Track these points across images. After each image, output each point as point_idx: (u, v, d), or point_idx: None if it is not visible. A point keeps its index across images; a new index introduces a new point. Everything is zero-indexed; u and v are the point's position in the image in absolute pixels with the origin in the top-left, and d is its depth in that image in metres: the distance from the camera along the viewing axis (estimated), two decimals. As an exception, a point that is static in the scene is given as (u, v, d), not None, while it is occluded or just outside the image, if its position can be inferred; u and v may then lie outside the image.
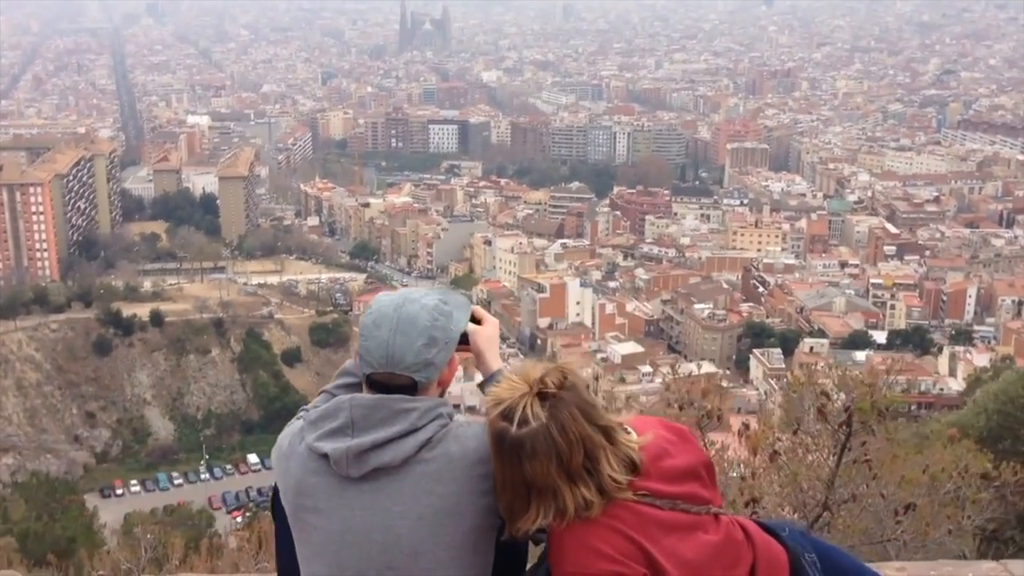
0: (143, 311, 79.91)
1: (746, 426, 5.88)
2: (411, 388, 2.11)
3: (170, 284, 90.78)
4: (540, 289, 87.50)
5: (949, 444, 7.22)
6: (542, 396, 1.95)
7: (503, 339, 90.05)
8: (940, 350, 71.90)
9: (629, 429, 2.01)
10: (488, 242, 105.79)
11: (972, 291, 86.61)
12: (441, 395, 2.21)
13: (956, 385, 57.42)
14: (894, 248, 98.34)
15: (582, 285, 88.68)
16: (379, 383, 2.12)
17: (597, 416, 1.95)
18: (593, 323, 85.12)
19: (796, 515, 5.14)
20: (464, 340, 2.28)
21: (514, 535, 2.01)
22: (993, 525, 5.93)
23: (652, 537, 1.90)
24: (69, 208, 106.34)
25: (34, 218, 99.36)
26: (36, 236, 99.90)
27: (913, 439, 7.47)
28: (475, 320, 2.37)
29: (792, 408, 5.86)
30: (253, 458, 70.66)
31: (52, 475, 63.45)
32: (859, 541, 5.00)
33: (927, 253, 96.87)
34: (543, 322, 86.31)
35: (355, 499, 2.04)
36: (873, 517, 5.15)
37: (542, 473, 1.91)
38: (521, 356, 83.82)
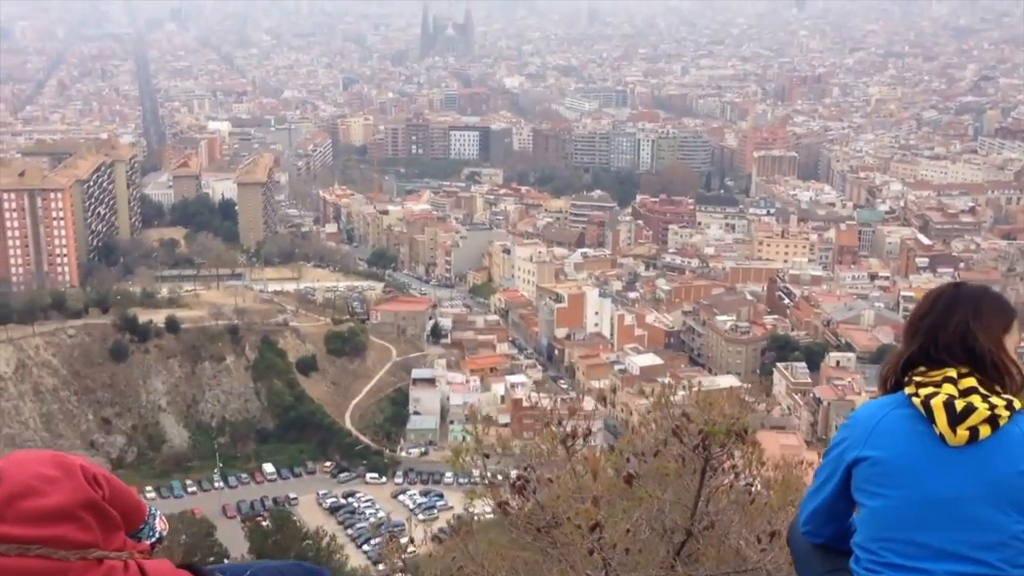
0: (159, 317, 79.60)
1: (611, 447, 5.86)
2: None
3: (187, 290, 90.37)
4: (558, 299, 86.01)
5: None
6: None
7: (521, 349, 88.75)
8: (973, 367, 69.37)
9: None
10: (507, 250, 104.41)
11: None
12: None
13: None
14: (927, 260, 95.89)
15: (601, 295, 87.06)
16: None
17: None
18: (612, 334, 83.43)
19: (661, 541, 5.12)
20: None
21: None
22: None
23: None
24: (89, 213, 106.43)
25: (54, 223, 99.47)
26: (56, 241, 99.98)
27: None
28: None
29: (660, 430, 5.72)
30: (269, 467, 70.29)
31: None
32: (731, 569, 4.96)
33: (961, 265, 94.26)
34: (561, 332, 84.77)
35: None
36: (739, 545, 5.14)
37: None
38: (539, 367, 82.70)
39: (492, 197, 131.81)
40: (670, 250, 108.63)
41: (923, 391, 2.39)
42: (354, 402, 78.41)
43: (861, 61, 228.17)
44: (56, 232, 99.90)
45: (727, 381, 72.56)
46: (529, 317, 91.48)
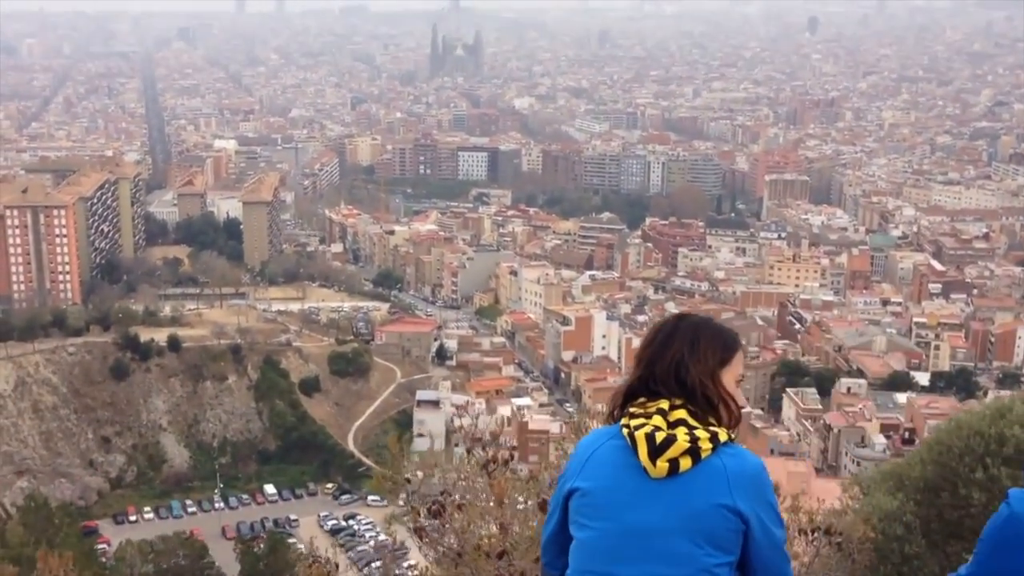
0: (161, 336, 78.90)
1: (531, 473, 5.91)
2: None
3: (189, 309, 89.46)
4: (565, 321, 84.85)
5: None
6: None
7: (527, 372, 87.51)
8: (985, 393, 67.78)
9: None
10: (514, 272, 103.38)
11: (1022, 332, 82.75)
12: None
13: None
14: (940, 286, 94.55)
15: (608, 318, 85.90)
16: None
17: None
18: (619, 357, 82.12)
19: None
20: None
21: None
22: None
23: None
24: (93, 231, 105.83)
25: (57, 240, 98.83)
26: (59, 259, 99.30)
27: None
28: None
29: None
30: (270, 488, 69.19)
31: (63, 500, 62.50)
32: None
33: (975, 292, 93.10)
34: (567, 355, 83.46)
35: None
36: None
37: None
38: (545, 390, 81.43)
39: (500, 218, 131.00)
40: (680, 273, 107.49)
41: (633, 422, 2.40)
42: (357, 423, 77.31)
43: (874, 85, 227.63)
44: (59, 249, 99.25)
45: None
46: (536, 339, 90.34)
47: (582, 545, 2.42)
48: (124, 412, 76.22)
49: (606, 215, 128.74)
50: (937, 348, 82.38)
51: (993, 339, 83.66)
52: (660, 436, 2.33)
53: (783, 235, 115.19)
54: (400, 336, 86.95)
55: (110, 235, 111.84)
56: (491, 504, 5.18)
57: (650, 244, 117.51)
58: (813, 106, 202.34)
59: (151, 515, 65.40)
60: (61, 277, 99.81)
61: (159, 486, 71.00)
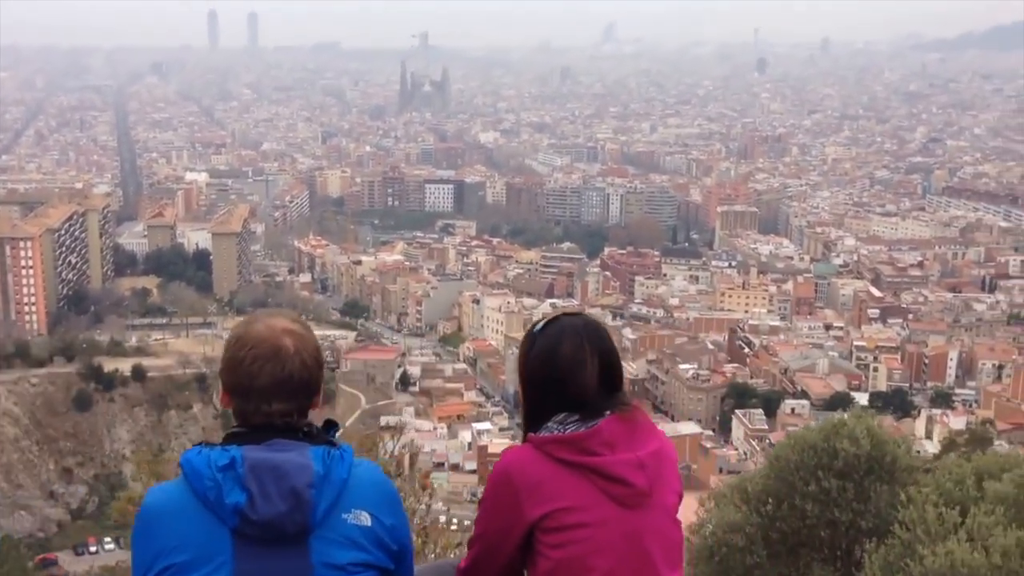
0: (125, 366, 79.43)
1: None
2: None
3: (155, 339, 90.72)
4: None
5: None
6: None
7: (488, 397, 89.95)
8: (919, 413, 71.90)
9: None
10: (477, 301, 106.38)
11: (954, 355, 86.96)
12: None
13: (932, 448, 57.29)
14: (878, 311, 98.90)
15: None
16: None
17: None
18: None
19: None
20: None
21: None
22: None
23: None
24: (60, 262, 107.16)
25: (23, 272, 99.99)
26: (25, 290, 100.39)
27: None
28: None
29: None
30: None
31: (23, 532, 62.74)
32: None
33: (910, 316, 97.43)
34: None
35: None
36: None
37: None
38: (506, 414, 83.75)
39: (464, 248, 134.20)
40: (636, 300, 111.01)
41: None
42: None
43: (818, 123, 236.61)
44: (25, 281, 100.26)
45: (688, 428, 74.81)
46: (497, 366, 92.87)
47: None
48: (87, 443, 76.17)
49: (567, 245, 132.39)
50: (875, 370, 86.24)
51: (927, 361, 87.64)
52: None
53: (734, 263, 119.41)
54: (364, 364, 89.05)
55: (78, 266, 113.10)
56: None
57: (608, 273, 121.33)
58: (762, 142, 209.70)
59: (112, 545, 63.04)
60: (27, 308, 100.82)
61: (121, 516, 71.48)
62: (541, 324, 2.57)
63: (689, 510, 7.95)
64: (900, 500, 6.64)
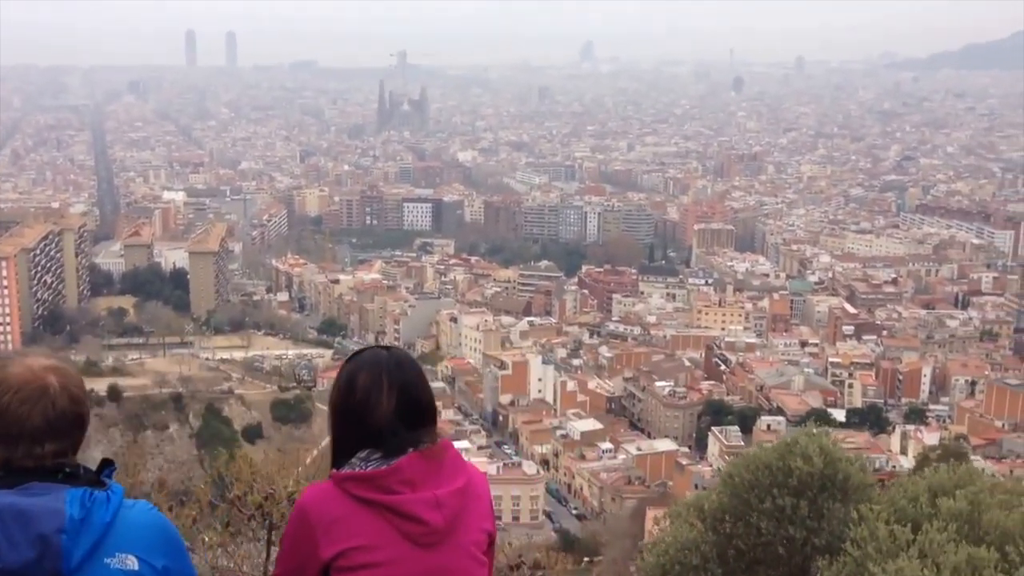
0: (101, 386, 78.82)
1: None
2: None
3: (131, 359, 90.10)
4: (502, 366, 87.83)
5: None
6: None
7: (466, 415, 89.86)
8: (894, 429, 72.78)
9: None
10: (454, 319, 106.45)
11: (927, 371, 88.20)
12: None
13: (907, 463, 57.96)
14: (852, 328, 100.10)
15: (544, 362, 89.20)
16: None
17: None
18: (555, 400, 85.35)
19: None
20: None
21: None
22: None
23: None
24: (35, 282, 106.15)
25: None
26: (0, 310, 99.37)
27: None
28: None
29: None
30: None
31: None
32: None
33: (884, 333, 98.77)
34: (505, 399, 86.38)
35: None
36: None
37: None
38: (484, 432, 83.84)
39: (442, 267, 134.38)
40: (614, 318, 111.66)
41: None
42: (299, 469, 78.33)
43: (794, 141, 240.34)
44: None
45: (664, 445, 75.19)
46: (475, 384, 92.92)
47: None
48: (63, 463, 76.30)
49: (544, 263, 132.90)
50: (850, 386, 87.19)
51: (901, 377, 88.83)
52: None
53: (710, 281, 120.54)
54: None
55: (54, 286, 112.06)
56: None
57: (586, 291, 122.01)
58: (738, 160, 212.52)
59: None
60: (2, 328, 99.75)
61: (96, 536, 71.22)
62: (351, 355, 2.65)
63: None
64: (852, 518, 6.67)
